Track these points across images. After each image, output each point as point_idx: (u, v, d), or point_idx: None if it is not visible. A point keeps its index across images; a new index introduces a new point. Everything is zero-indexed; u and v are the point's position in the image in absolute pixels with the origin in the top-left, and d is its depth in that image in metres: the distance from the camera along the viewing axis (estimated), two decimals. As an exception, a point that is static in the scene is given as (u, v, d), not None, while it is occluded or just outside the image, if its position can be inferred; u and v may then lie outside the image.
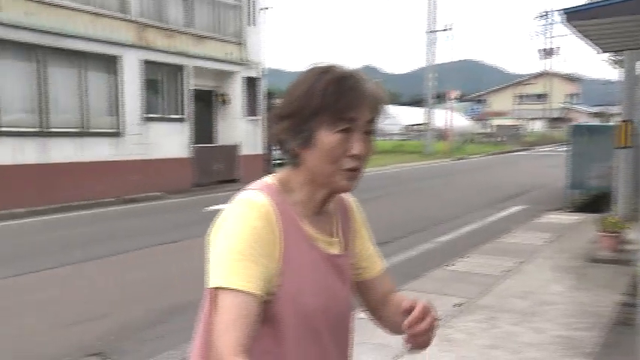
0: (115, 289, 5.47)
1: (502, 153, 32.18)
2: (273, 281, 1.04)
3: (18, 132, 10.41)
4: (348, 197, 1.28)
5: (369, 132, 1.10)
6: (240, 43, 15.64)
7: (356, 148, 1.07)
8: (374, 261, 1.30)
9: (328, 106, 1.05)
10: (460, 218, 9.39)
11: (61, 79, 11.28)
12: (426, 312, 1.09)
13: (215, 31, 14.91)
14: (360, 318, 4.39)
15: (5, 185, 10.02)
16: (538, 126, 54.59)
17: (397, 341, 4.23)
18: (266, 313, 1.03)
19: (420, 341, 1.11)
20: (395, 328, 1.24)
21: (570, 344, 3.88)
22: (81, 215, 10.16)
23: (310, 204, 1.13)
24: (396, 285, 4.78)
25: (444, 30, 29.28)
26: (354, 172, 1.09)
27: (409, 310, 1.08)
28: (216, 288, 1.00)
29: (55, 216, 10.03)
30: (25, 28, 10.38)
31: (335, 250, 1.17)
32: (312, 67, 1.12)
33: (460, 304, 4.76)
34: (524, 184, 14.78)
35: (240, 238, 1.01)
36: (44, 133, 10.83)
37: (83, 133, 11.57)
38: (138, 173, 12.38)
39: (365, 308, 1.32)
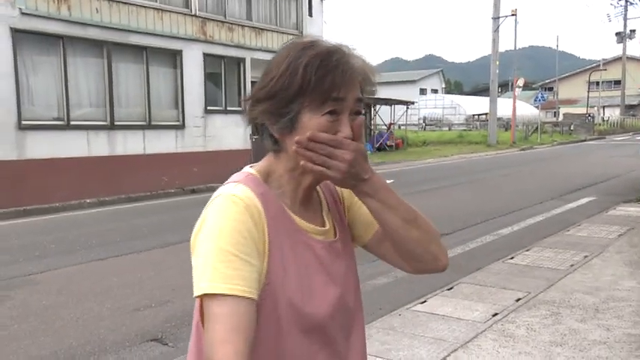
0: (178, 277, 5.61)
1: (571, 142, 30.81)
2: (263, 281, 0.94)
3: (88, 125, 10.90)
4: None
5: (358, 112, 1.00)
6: (299, 34, 15.69)
7: (344, 131, 0.97)
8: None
9: (312, 85, 0.95)
10: (524, 210, 9.04)
11: (127, 74, 11.72)
12: (344, 144, 0.94)
13: (274, 22, 15.03)
14: (415, 311, 4.25)
15: (77, 177, 10.53)
16: (613, 114, 51.82)
17: (453, 335, 4.09)
18: (258, 315, 0.94)
19: (316, 160, 0.95)
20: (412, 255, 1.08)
21: (641, 344, 3.64)
22: (147, 205, 10.53)
23: (296, 193, 1.04)
24: (454, 278, 4.64)
25: (511, 15, 28.18)
26: None
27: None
28: (205, 295, 0.89)
29: (122, 206, 10.46)
30: (93, 25, 10.83)
31: (329, 238, 1.08)
32: (292, 42, 1.01)
33: (522, 299, 4.57)
34: (594, 174, 14.06)
35: (224, 236, 0.91)
36: (112, 126, 11.29)
37: (148, 126, 11.98)
38: (199, 165, 12.71)
39: (390, 261, 1.18)
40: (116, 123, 11.35)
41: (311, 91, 0.95)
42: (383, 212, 1.01)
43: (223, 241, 0.91)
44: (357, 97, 0.99)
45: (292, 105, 0.96)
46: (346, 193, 1.16)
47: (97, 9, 10.90)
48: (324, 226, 1.08)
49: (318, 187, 1.12)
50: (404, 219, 1.02)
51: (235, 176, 1.04)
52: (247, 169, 1.05)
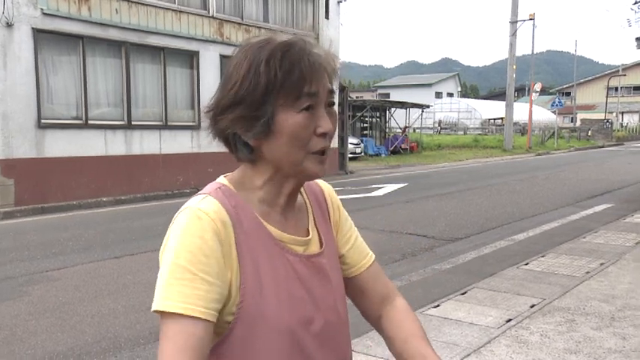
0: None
1: (588, 148, 30.50)
2: (236, 299, 0.90)
3: (106, 125, 11.03)
4: (320, 183, 1.13)
5: (331, 104, 0.95)
6: (315, 36, 15.71)
7: (324, 125, 0.93)
8: (360, 252, 1.12)
9: (280, 81, 0.89)
10: (539, 216, 8.97)
11: (145, 74, 11.84)
12: None
13: (290, 24, 15.08)
14: (428, 315, 4.24)
15: (95, 175, 10.66)
16: (632, 120, 51.20)
17: (466, 340, 4.07)
18: (232, 335, 0.91)
19: None
20: (395, 353, 1.06)
21: (657, 353, 3.60)
22: (163, 205, 10.61)
23: (277, 201, 0.98)
24: (468, 283, 4.61)
25: (529, 19, 28.00)
26: (324, 153, 0.95)
27: None
28: (160, 312, 0.86)
29: (138, 205, 10.56)
30: (113, 26, 10.97)
31: (313, 249, 1.02)
32: (246, 42, 0.95)
33: (536, 305, 4.54)
34: (611, 181, 13.91)
35: (184, 253, 0.87)
36: (129, 125, 11.41)
37: (164, 126, 12.09)
38: (215, 165, 12.77)
39: (364, 315, 1.14)
40: (133, 123, 11.47)
41: (280, 88, 0.89)
42: None
43: (183, 258, 0.87)
44: (329, 88, 0.94)
45: (265, 107, 0.90)
46: (336, 212, 1.12)
47: (116, 10, 11.04)
48: (307, 236, 1.02)
49: (304, 193, 1.07)
50: None
51: (207, 187, 0.98)
52: (220, 180, 1.00)
